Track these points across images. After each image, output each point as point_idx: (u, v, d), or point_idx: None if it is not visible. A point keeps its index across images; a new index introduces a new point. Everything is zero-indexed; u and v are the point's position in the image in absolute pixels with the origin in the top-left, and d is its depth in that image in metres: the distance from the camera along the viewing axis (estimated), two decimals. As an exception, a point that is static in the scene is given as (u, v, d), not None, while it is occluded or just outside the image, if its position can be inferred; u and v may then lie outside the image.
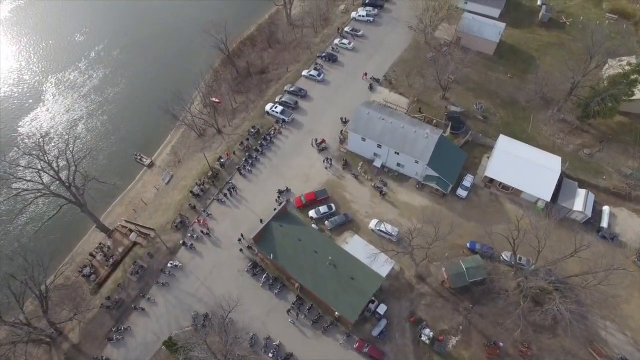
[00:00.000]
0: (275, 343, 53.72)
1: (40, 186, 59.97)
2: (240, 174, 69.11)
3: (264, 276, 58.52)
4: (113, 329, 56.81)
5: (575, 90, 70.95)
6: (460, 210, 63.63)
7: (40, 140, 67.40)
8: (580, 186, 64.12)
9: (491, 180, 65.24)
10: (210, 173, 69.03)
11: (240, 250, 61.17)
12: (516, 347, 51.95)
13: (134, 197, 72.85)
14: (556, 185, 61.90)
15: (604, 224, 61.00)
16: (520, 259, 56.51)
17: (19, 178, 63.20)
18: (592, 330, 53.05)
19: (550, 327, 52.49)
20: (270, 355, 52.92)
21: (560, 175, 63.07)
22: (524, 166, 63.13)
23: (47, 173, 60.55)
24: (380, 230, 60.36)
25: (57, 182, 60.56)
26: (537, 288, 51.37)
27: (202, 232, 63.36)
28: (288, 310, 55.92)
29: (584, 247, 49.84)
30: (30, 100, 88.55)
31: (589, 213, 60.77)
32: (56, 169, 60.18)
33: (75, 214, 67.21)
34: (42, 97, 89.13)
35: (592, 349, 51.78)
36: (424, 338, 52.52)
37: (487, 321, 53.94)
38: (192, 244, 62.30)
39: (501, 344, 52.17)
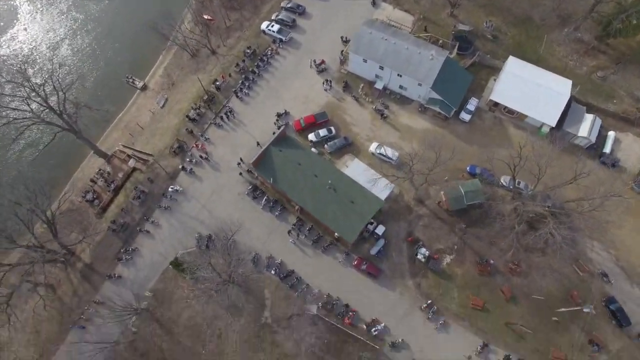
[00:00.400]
0: (277, 261, 56.30)
1: (30, 114, 57.85)
2: (237, 97, 66.53)
3: (264, 199, 59.33)
4: (122, 250, 59.12)
5: (599, 6, 65.14)
6: (462, 134, 62.43)
7: (22, 66, 63.45)
8: (589, 111, 62.08)
9: (496, 104, 63.09)
10: (206, 97, 66.45)
11: (240, 174, 61.25)
12: (506, 265, 54.61)
13: (130, 121, 70.87)
14: (564, 109, 59.95)
15: (607, 149, 60.24)
16: (519, 183, 56.80)
17: (4, 107, 60.64)
18: (580, 250, 55.18)
19: (540, 248, 54.51)
20: (273, 272, 55.73)
21: (570, 99, 60.74)
22: (531, 90, 60.45)
23: (34, 101, 58.01)
24: (381, 154, 59.87)
25: (47, 110, 58.25)
26: (533, 212, 52.29)
27: (200, 156, 62.88)
28: (289, 232, 57.60)
29: (584, 174, 49.62)
30: (5, 18, 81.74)
31: (593, 139, 59.65)
32: (44, 96, 57.44)
33: (71, 140, 65.95)
34: (18, 16, 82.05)
35: (576, 266, 54.58)
36: (420, 257, 54.82)
37: (482, 242, 55.91)
38: (191, 169, 62.22)
39: (492, 261, 54.77)
